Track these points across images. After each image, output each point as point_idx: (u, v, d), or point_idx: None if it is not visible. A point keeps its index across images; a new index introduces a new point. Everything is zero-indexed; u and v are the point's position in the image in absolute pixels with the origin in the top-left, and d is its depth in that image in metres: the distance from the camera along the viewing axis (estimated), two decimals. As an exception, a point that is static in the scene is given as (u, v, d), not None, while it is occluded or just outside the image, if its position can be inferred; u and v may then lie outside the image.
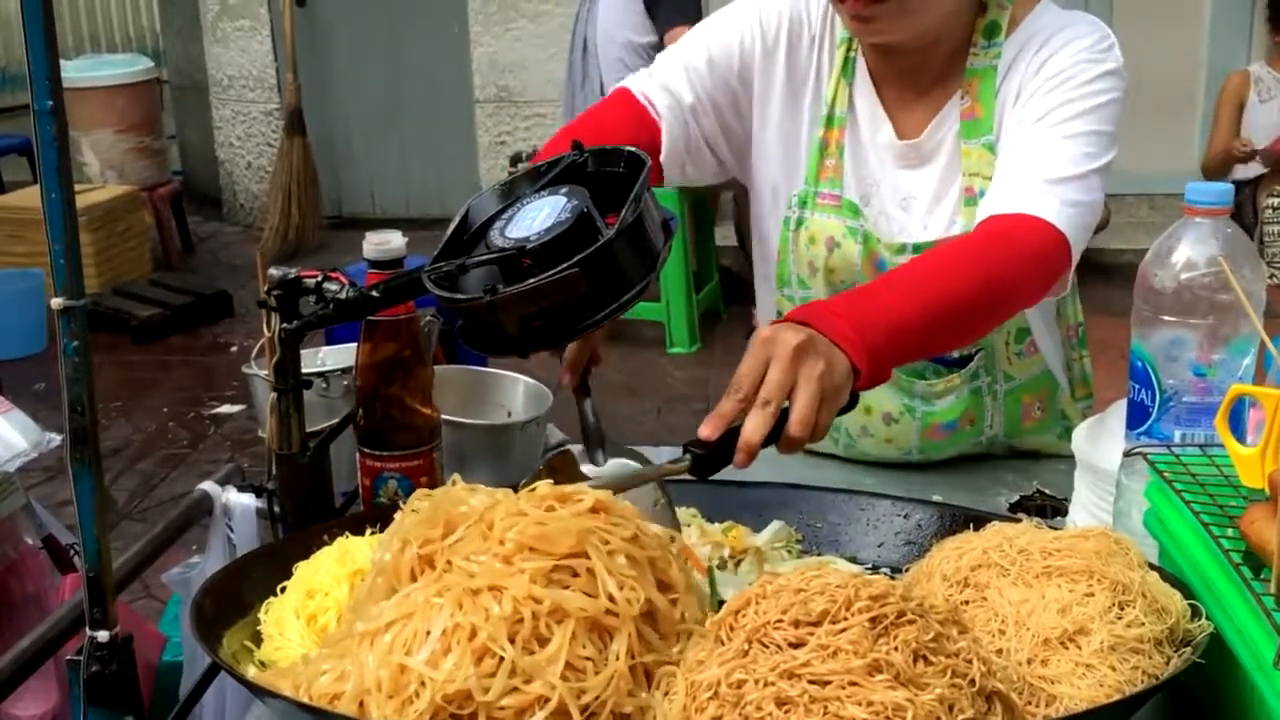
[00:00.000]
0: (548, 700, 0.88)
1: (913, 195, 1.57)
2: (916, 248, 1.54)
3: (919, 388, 1.62)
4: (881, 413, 1.64)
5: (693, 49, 1.62)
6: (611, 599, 0.92)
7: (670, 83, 1.59)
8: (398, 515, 1.04)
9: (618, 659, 0.91)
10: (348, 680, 0.92)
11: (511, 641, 0.89)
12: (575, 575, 0.94)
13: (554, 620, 0.91)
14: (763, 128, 1.63)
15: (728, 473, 1.42)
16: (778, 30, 1.60)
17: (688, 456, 1.18)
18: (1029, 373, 1.65)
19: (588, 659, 0.90)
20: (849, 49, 1.59)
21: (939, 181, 1.56)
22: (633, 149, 1.26)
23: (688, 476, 1.19)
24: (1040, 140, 1.45)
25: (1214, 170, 5.78)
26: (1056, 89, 1.47)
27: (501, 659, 0.89)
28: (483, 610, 0.91)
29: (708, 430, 1.16)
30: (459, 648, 0.89)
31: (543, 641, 0.90)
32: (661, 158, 1.59)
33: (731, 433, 1.17)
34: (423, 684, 0.89)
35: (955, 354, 1.61)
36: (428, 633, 0.91)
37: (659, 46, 4.82)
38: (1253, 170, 5.56)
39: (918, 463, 1.68)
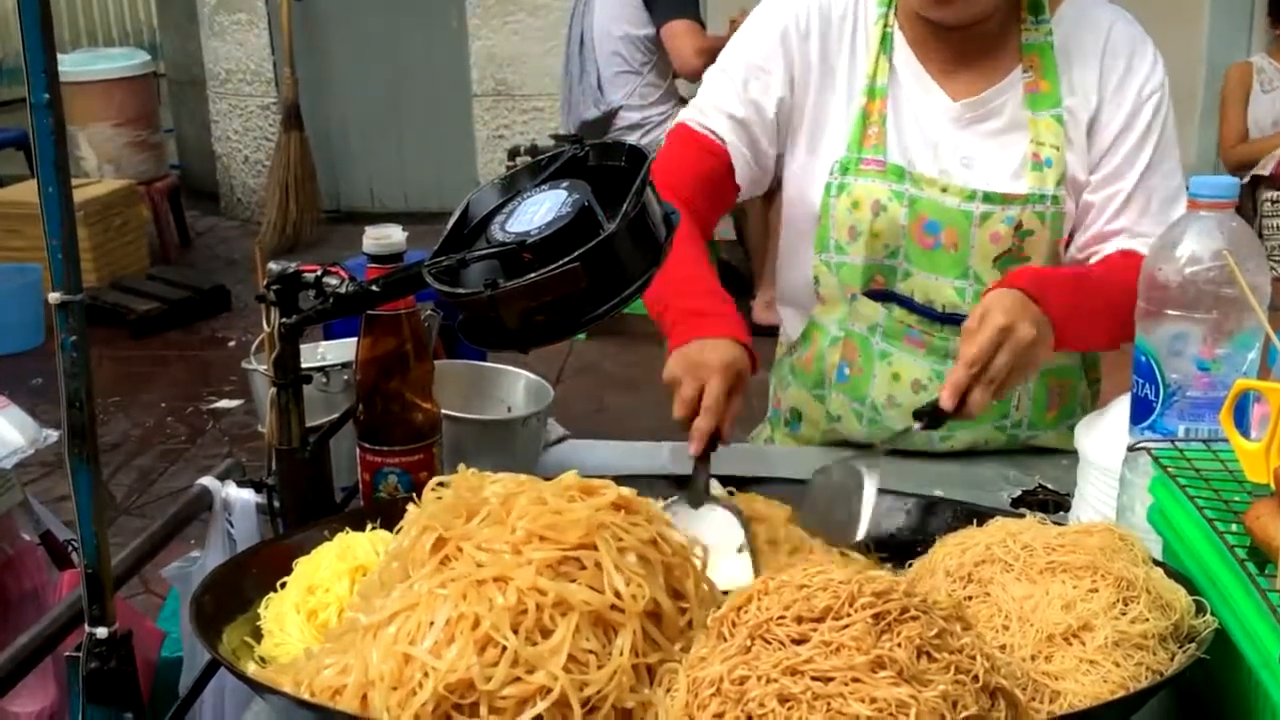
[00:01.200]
0: (549, 691, 0.88)
1: (972, 155, 1.64)
2: (987, 196, 1.60)
3: (953, 345, 1.62)
4: (910, 379, 1.66)
5: (733, 63, 1.71)
6: (617, 594, 0.92)
7: (723, 104, 1.70)
8: (411, 508, 1.04)
9: (622, 654, 0.90)
10: (350, 674, 0.92)
11: (515, 632, 0.89)
12: (583, 568, 0.93)
13: (558, 612, 0.91)
14: (801, 108, 1.70)
15: (733, 470, 1.42)
16: (808, 20, 1.68)
17: (918, 423, 1.41)
18: (1057, 359, 1.67)
19: (591, 652, 0.90)
20: (885, 24, 1.66)
21: (997, 141, 1.63)
22: (633, 144, 1.25)
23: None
24: (1158, 192, 1.64)
25: (1235, 164, 5.76)
26: (1154, 117, 1.64)
27: (504, 649, 0.89)
28: (487, 600, 0.91)
29: (950, 402, 1.37)
30: (462, 637, 0.89)
31: (546, 633, 0.90)
32: (737, 177, 1.70)
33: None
34: (425, 674, 0.89)
35: None
36: (431, 623, 0.91)
37: (656, 39, 4.81)
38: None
39: (937, 450, 1.69)
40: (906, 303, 1.66)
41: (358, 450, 1.39)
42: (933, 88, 1.66)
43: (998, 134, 1.63)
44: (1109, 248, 1.64)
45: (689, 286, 1.57)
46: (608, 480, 1.01)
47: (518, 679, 0.88)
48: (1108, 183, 1.64)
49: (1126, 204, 1.63)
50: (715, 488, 1.40)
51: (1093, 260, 1.65)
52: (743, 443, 1.90)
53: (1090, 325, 1.54)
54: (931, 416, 1.39)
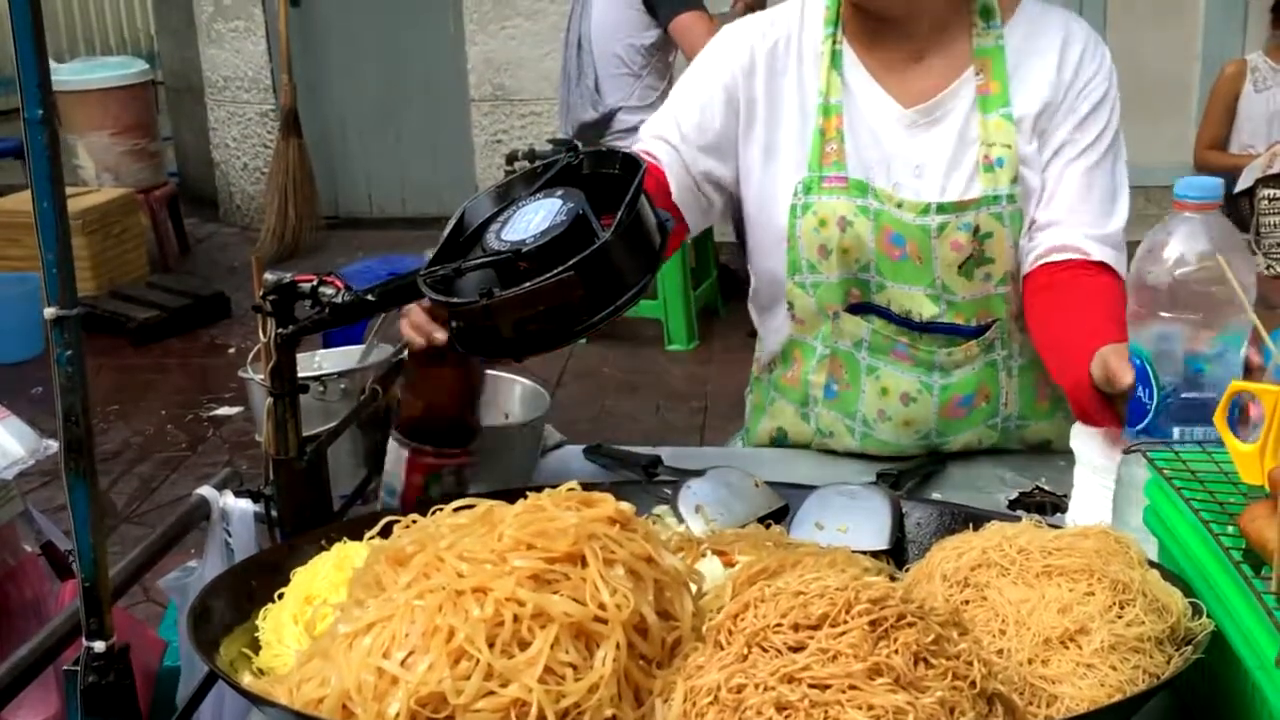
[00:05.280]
0: (525, 704, 0.86)
1: (924, 162, 1.63)
2: (941, 208, 1.60)
3: (939, 357, 1.65)
4: (899, 393, 1.66)
5: (679, 101, 1.73)
6: (601, 606, 0.91)
7: (664, 132, 1.72)
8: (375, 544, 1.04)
9: (603, 665, 0.89)
10: (328, 685, 0.91)
11: (492, 645, 0.88)
12: (568, 579, 0.92)
13: (537, 624, 0.89)
14: (748, 143, 1.70)
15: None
16: (751, 56, 1.68)
17: None
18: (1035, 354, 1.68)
19: (570, 665, 0.89)
20: (834, 42, 1.66)
21: (952, 148, 1.62)
22: (628, 150, 1.26)
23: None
24: (1098, 182, 1.63)
25: (1203, 169, 5.80)
26: (1095, 110, 1.63)
27: (478, 661, 0.88)
28: (463, 612, 0.90)
29: None
30: (435, 650, 0.88)
31: (525, 645, 0.89)
32: (673, 197, 1.69)
33: None
34: (397, 685, 0.88)
35: (973, 323, 1.65)
36: (407, 634, 0.90)
37: (655, 44, 4.80)
38: (1249, 179, 5.57)
39: (933, 449, 1.68)
40: (885, 314, 1.65)
41: (406, 454, 1.39)
42: (884, 97, 1.65)
43: (949, 139, 1.62)
44: (1046, 239, 1.62)
45: None
46: (608, 494, 1.01)
47: (491, 692, 0.87)
48: (1045, 169, 1.63)
49: (1058, 189, 1.62)
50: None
51: (1032, 256, 1.62)
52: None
53: None
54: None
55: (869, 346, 1.66)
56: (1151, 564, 1.08)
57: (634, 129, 4.94)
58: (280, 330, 1.33)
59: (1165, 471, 1.11)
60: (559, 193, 1.21)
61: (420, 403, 1.38)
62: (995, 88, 1.62)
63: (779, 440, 1.80)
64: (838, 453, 1.73)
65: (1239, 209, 5.80)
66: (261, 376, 1.40)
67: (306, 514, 1.38)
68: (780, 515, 1.41)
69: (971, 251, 1.60)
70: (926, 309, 1.63)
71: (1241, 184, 5.61)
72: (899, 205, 1.61)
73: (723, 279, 5.70)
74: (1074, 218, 1.62)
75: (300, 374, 1.38)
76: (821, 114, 1.64)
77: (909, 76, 1.65)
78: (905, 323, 1.64)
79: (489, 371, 1.72)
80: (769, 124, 1.68)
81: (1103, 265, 1.60)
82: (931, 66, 1.64)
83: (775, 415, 1.79)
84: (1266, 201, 5.50)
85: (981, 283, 1.62)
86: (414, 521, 1.05)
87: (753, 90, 1.68)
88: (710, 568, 1.22)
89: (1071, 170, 1.63)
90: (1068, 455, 1.44)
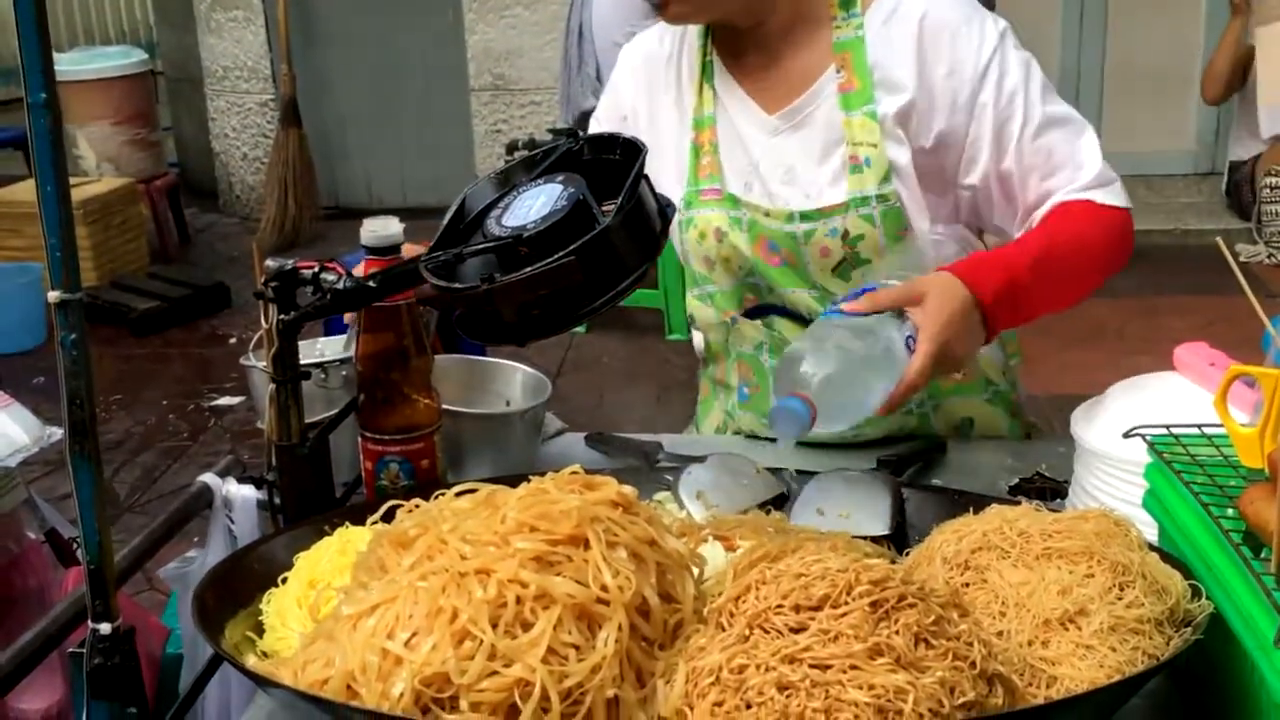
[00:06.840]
0: (528, 684, 0.87)
1: (793, 166, 1.61)
2: (804, 215, 1.58)
3: None
4: None
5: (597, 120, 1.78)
6: (604, 588, 0.91)
7: None
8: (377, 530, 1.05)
9: (605, 646, 0.90)
10: (333, 666, 0.92)
11: (495, 626, 0.89)
12: (570, 561, 0.93)
13: (540, 605, 0.90)
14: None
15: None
16: (635, 73, 1.73)
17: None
18: None
19: (573, 646, 0.89)
20: (705, 54, 1.66)
21: (818, 151, 1.59)
22: (629, 136, 1.26)
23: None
24: (1056, 144, 1.55)
25: (1213, 90, 5.76)
26: (1001, 83, 1.54)
27: (481, 642, 0.88)
28: (467, 594, 0.90)
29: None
30: (439, 630, 0.89)
31: (528, 626, 0.90)
32: None
33: None
34: (401, 666, 0.89)
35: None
36: (411, 616, 0.91)
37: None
38: (1254, 148, 5.57)
39: (851, 441, 1.66)
40: (785, 312, 1.65)
41: (360, 439, 1.40)
42: (750, 105, 1.62)
43: (815, 142, 1.59)
44: (1042, 211, 1.56)
45: None
46: (610, 478, 1.01)
47: (495, 672, 0.88)
48: (995, 166, 1.56)
49: (1028, 175, 1.56)
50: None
51: (1037, 216, 1.57)
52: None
53: (1038, 298, 1.49)
54: None
55: (769, 348, 1.67)
56: (1151, 547, 1.09)
57: (634, 118, 4.96)
58: (282, 316, 1.33)
59: (1165, 455, 1.12)
60: (560, 178, 1.21)
61: (367, 387, 1.39)
62: (857, 84, 1.56)
63: (722, 430, 1.81)
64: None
65: (1240, 197, 5.81)
66: (263, 363, 1.40)
67: (309, 500, 1.38)
68: (781, 501, 1.41)
69: (843, 255, 1.57)
70: (816, 308, 1.60)
71: (1267, 130, 5.48)
72: (766, 214, 1.60)
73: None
74: (1057, 183, 1.55)
75: (302, 361, 1.38)
76: (695, 128, 1.65)
77: (772, 81, 1.61)
78: (807, 321, 1.61)
79: (491, 360, 1.73)
80: (652, 141, 1.69)
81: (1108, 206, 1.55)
82: (792, 68, 1.60)
83: (718, 410, 1.81)
84: (1268, 190, 5.50)
85: (862, 281, 1.53)
86: (417, 506, 1.06)
87: (637, 106, 1.71)
88: (712, 553, 1.23)
89: (1028, 153, 1.55)
90: (1068, 441, 1.44)
